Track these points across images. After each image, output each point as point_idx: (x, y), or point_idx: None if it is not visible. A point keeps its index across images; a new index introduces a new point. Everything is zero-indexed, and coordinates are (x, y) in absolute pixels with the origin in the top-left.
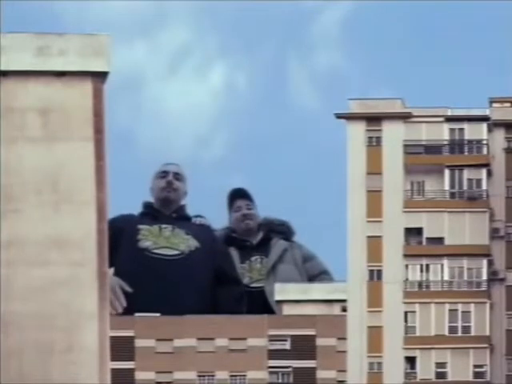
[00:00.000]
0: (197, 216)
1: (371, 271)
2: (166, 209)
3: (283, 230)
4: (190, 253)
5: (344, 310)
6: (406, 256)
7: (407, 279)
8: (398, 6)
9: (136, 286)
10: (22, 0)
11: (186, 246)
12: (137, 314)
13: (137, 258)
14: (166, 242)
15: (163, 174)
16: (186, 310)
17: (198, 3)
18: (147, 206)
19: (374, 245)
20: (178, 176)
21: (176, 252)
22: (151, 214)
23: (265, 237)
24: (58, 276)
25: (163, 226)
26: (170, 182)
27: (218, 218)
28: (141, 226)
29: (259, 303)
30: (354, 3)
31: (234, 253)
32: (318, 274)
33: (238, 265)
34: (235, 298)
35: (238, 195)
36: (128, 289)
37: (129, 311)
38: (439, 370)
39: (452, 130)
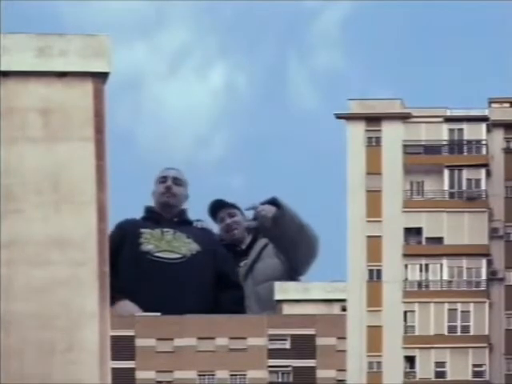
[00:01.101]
0: (198, 220)
1: (371, 271)
2: (166, 213)
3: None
4: (191, 256)
5: (344, 309)
6: (405, 256)
7: (406, 279)
8: (398, 7)
9: (137, 289)
10: (22, 0)
11: (188, 250)
12: (137, 314)
13: (138, 261)
14: (167, 245)
15: (163, 179)
16: (187, 312)
17: (198, 3)
18: (149, 211)
19: (374, 244)
20: (177, 181)
21: (177, 255)
22: (153, 218)
23: (253, 239)
24: (58, 276)
25: (165, 229)
26: (168, 187)
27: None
28: (143, 230)
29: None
30: (353, 3)
31: None
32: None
33: None
34: (236, 301)
35: (219, 206)
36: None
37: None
38: (438, 369)
39: (451, 131)
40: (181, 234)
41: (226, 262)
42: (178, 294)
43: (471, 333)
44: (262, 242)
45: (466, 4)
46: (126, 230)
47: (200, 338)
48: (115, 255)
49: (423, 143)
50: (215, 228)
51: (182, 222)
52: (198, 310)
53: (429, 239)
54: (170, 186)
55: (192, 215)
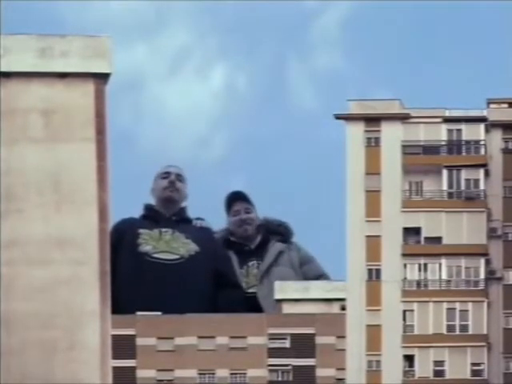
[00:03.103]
0: (197, 218)
1: (370, 270)
2: (167, 209)
3: (281, 231)
4: (189, 257)
5: (343, 308)
6: (404, 255)
7: (405, 278)
8: (398, 7)
9: (136, 290)
10: (23, 1)
11: (186, 251)
12: (138, 313)
13: (137, 262)
14: (165, 246)
15: (165, 175)
16: (186, 313)
17: (198, 4)
18: (148, 209)
19: (373, 244)
20: (180, 177)
21: (176, 256)
22: (152, 216)
23: (263, 240)
24: (59, 275)
25: (163, 229)
26: (172, 181)
27: (218, 219)
28: (141, 230)
29: (253, 309)
30: (353, 4)
31: (232, 257)
32: (314, 279)
33: (237, 270)
34: (235, 302)
35: (236, 198)
36: None
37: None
38: (437, 368)
39: (450, 131)
40: (179, 235)
41: (225, 262)
42: (177, 295)
43: (470, 332)
44: (277, 246)
45: (466, 4)
46: (123, 230)
47: (200, 337)
48: (112, 255)
49: (422, 143)
50: (214, 226)
51: (181, 221)
52: (197, 310)
53: (428, 239)
54: (174, 181)
55: (192, 215)
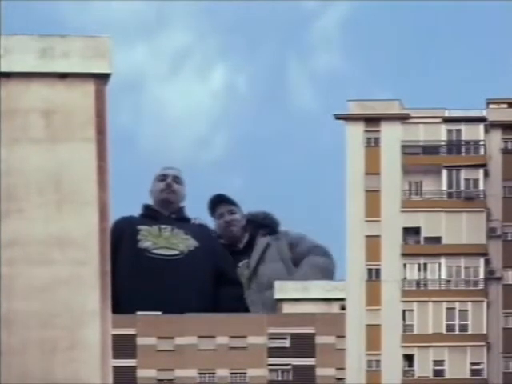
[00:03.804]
0: (195, 218)
1: (370, 270)
2: (165, 210)
3: (267, 223)
4: (189, 252)
5: (343, 308)
6: (404, 255)
7: (405, 278)
8: (397, 8)
9: (136, 286)
10: (24, 1)
11: (185, 246)
12: (138, 313)
13: (137, 258)
14: (165, 242)
15: (162, 177)
16: (187, 309)
17: (198, 5)
18: (147, 208)
19: (373, 244)
20: (177, 179)
21: (175, 252)
22: (151, 215)
23: (250, 238)
24: (60, 275)
25: (162, 226)
26: (169, 184)
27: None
28: (141, 227)
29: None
30: (353, 4)
31: None
32: (307, 252)
33: None
34: (235, 298)
35: (220, 201)
36: None
37: (130, 311)
38: (437, 367)
39: (449, 131)
40: (179, 231)
41: (224, 259)
42: (178, 291)
43: (469, 331)
44: (263, 241)
45: (465, 5)
46: (122, 228)
47: (201, 337)
48: (112, 253)
49: (422, 144)
50: (211, 224)
51: (179, 219)
52: (198, 307)
53: (427, 239)
54: (171, 184)
55: (192, 214)
